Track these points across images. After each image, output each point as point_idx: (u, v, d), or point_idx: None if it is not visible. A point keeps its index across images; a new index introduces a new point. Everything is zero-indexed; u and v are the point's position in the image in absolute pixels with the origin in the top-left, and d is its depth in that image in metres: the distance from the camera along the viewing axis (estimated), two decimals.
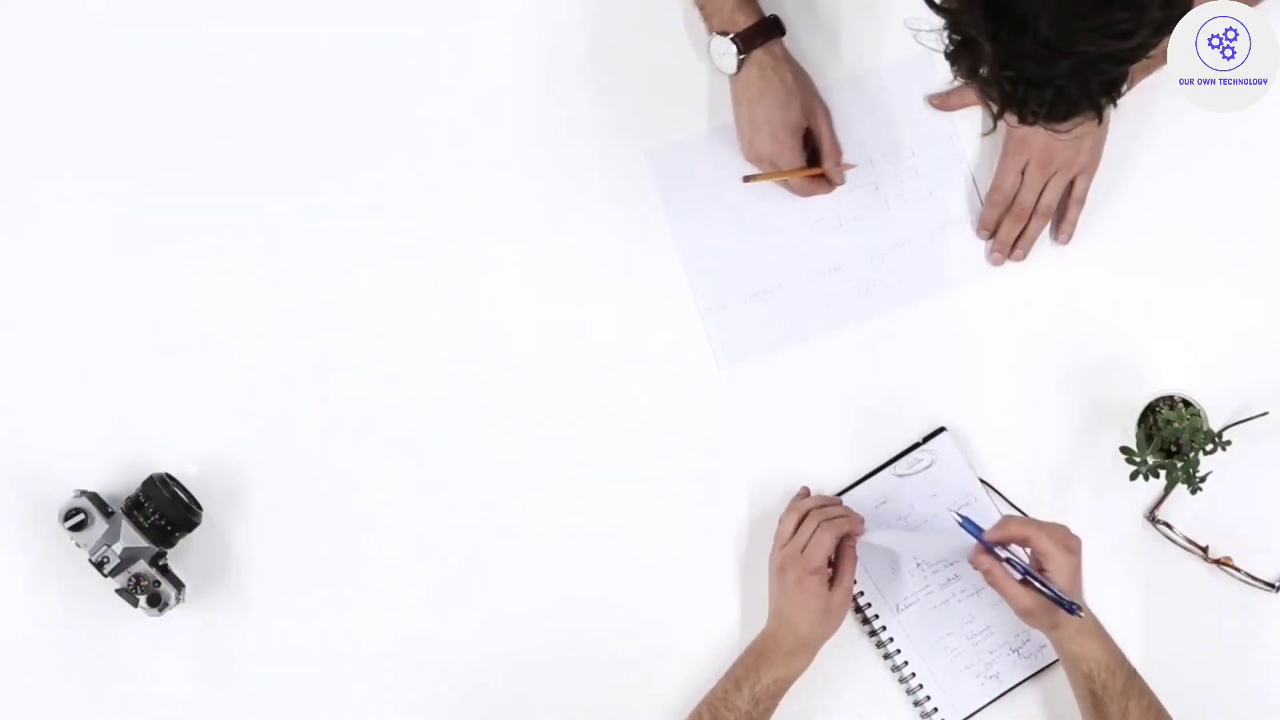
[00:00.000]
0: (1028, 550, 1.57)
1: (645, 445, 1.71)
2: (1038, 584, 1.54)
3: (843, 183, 1.68)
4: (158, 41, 1.72)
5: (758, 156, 1.65)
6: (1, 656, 1.70)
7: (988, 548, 1.57)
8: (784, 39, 1.64)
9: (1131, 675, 1.58)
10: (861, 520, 1.65)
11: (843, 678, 1.68)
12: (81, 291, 1.72)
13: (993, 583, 1.57)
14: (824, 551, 1.61)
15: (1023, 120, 1.25)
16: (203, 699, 1.70)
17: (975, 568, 1.58)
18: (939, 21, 1.24)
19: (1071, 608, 1.53)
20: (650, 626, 1.70)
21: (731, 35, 1.61)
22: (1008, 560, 1.56)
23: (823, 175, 1.67)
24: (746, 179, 1.66)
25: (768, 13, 1.64)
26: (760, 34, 1.62)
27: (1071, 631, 1.57)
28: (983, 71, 1.23)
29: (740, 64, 1.62)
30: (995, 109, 1.26)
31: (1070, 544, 1.57)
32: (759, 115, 1.63)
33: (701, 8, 1.65)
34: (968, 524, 1.58)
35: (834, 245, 1.71)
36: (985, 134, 1.64)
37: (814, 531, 1.61)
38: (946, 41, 1.24)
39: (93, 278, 1.72)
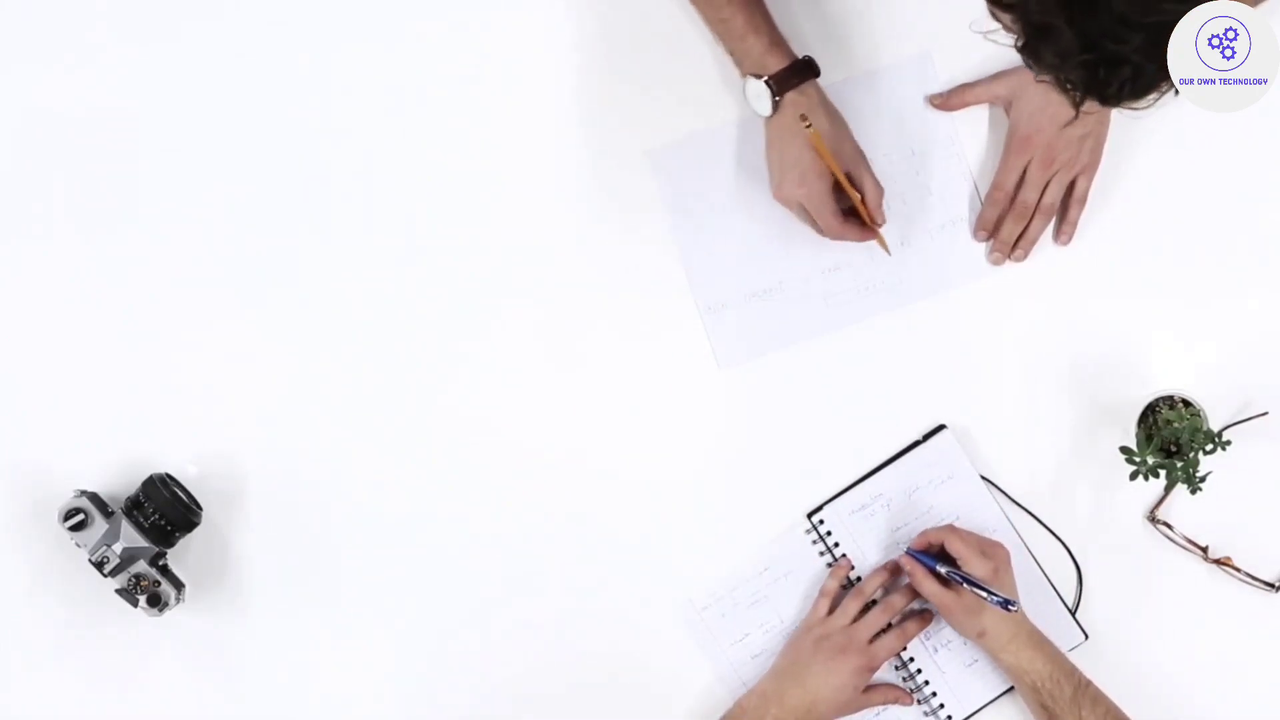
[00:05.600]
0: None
1: (645, 446, 1.71)
2: (961, 580, 1.58)
3: (884, 222, 1.66)
4: (159, 47, 1.73)
5: (785, 199, 1.64)
6: (1, 656, 1.70)
7: (915, 557, 1.63)
8: (818, 80, 1.63)
9: (1081, 683, 1.58)
10: (930, 619, 1.67)
11: None
12: (82, 292, 1.71)
13: (914, 583, 1.63)
14: (888, 657, 1.65)
15: (1105, 102, 1.22)
16: (203, 699, 1.70)
17: (901, 568, 1.65)
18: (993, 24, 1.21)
19: (1006, 604, 1.56)
20: (650, 628, 1.70)
21: (765, 79, 1.60)
22: (937, 565, 1.61)
23: (859, 219, 1.64)
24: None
25: (795, 46, 1.62)
26: (793, 76, 1.61)
27: (1003, 641, 1.59)
28: (1061, 59, 1.19)
29: (775, 106, 1.61)
30: (1078, 97, 1.23)
31: (987, 550, 1.60)
32: (789, 157, 1.62)
33: (731, 53, 1.64)
34: (918, 555, 1.63)
35: (834, 245, 1.71)
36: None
37: (884, 630, 1.65)
38: (1019, 35, 1.21)
39: (93, 278, 1.71)
